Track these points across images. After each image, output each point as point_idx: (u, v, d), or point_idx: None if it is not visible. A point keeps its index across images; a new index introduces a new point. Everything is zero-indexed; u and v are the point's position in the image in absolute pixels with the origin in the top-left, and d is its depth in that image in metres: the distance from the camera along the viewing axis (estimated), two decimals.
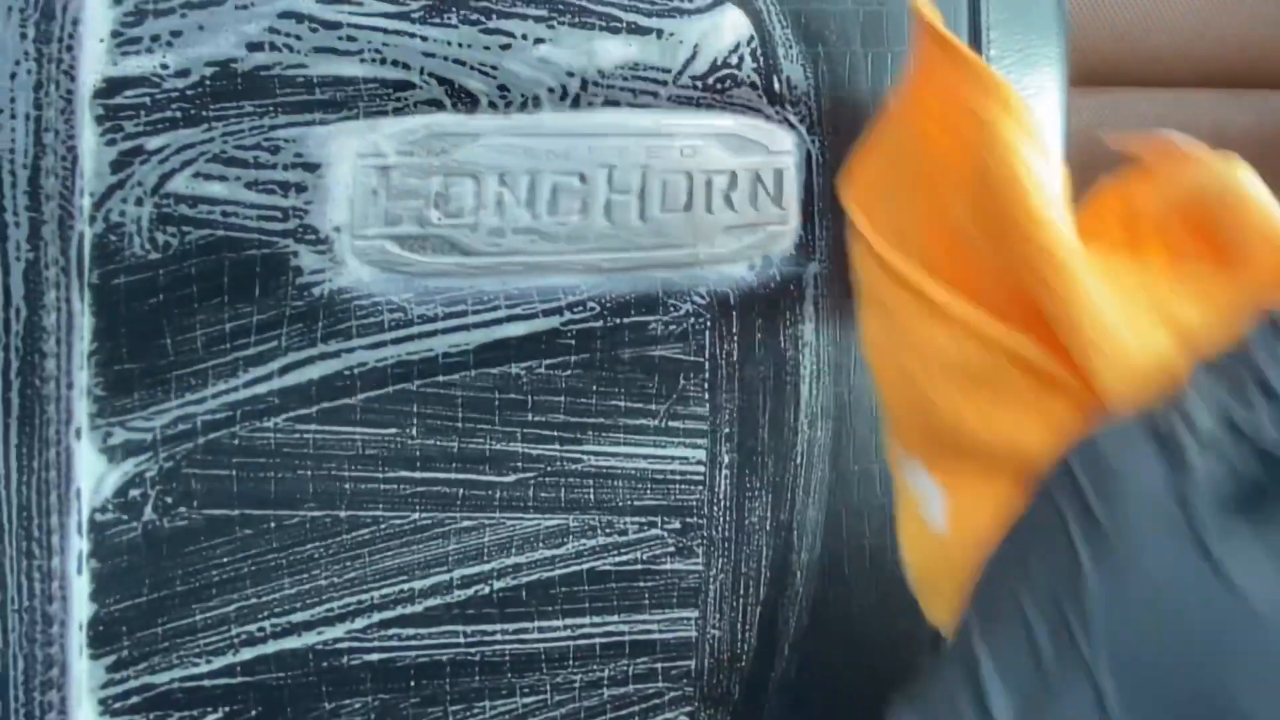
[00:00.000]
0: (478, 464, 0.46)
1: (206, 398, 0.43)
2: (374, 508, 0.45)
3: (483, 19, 0.44)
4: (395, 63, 0.43)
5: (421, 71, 0.44)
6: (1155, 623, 0.25)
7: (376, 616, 0.46)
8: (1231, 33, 0.94)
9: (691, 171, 0.48)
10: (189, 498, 0.43)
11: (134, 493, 0.42)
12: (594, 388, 0.47)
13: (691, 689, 0.50)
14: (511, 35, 0.44)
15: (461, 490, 0.46)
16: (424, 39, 0.44)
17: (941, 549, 0.34)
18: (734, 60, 0.47)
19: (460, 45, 0.44)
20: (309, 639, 0.45)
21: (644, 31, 0.46)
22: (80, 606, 0.42)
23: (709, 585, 0.49)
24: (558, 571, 0.48)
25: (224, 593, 0.44)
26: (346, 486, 0.45)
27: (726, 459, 0.49)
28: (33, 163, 0.40)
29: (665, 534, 0.49)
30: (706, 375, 0.48)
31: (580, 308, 0.46)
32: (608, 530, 0.48)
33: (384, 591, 0.46)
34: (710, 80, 0.47)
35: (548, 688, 0.48)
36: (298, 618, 0.45)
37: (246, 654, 0.45)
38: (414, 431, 0.45)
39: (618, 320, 0.47)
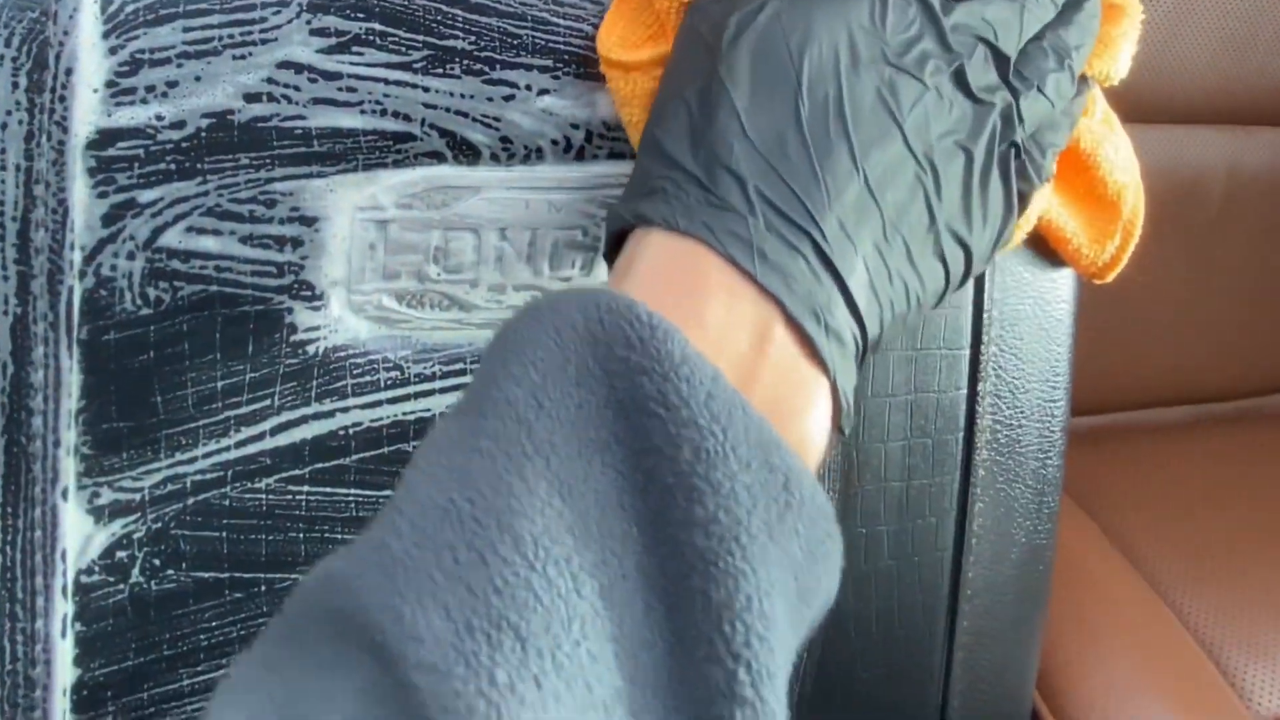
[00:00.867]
0: None
1: (197, 457, 0.42)
2: None
3: (486, 69, 0.44)
4: (396, 114, 0.43)
5: (423, 123, 0.43)
6: (759, 53, 0.36)
7: None
8: (1244, 70, 0.94)
9: None
10: (178, 559, 0.43)
11: (121, 554, 0.42)
12: None
13: None
14: (515, 86, 0.44)
15: None
16: (426, 89, 0.43)
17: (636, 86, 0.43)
18: None
19: (463, 96, 0.44)
20: None
21: None
22: (64, 671, 0.42)
23: None
24: None
25: (212, 657, 0.44)
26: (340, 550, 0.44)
27: None
28: (22, 215, 0.40)
29: None
30: None
31: None
32: None
33: None
34: None
35: None
36: None
37: None
38: None
39: None
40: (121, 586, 0.42)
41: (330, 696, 0.28)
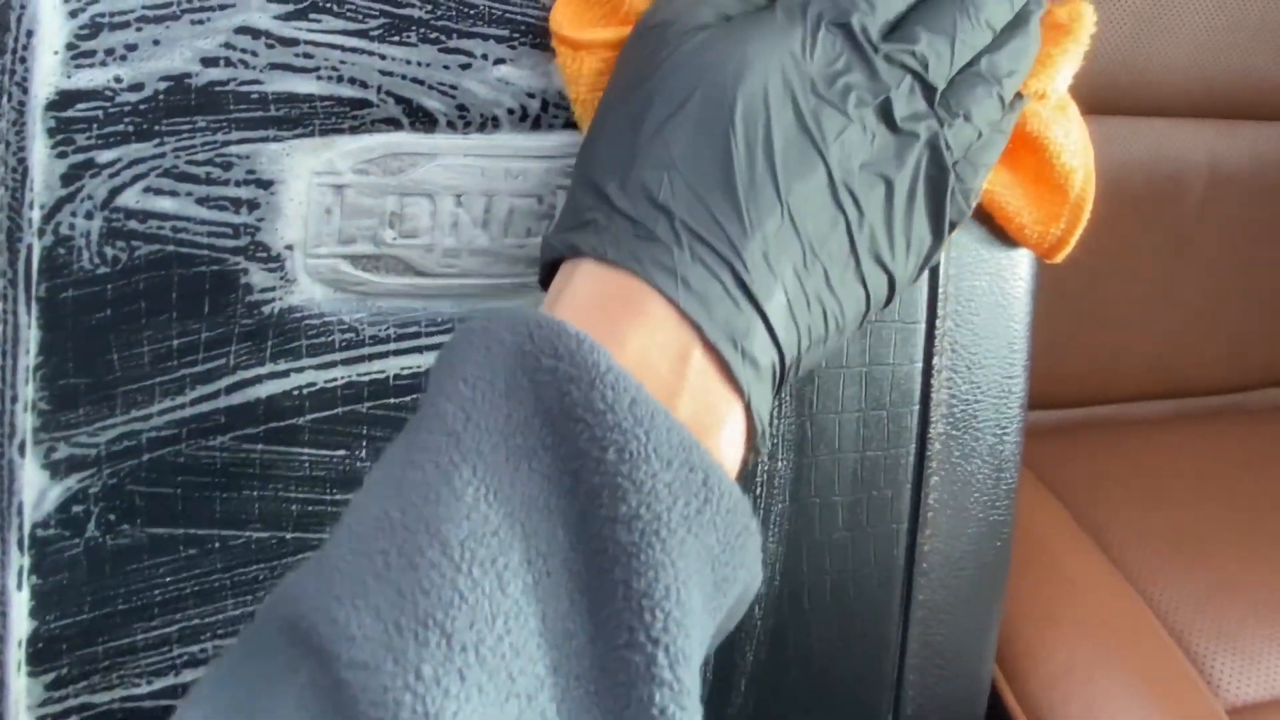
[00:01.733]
0: None
1: (153, 414, 0.44)
2: (321, 530, 0.46)
3: (442, 38, 0.45)
4: (353, 80, 0.44)
5: (379, 90, 0.45)
6: (694, 84, 0.39)
7: None
8: (1226, 63, 0.95)
9: None
10: (133, 515, 0.44)
11: (77, 509, 0.43)
12: None
13: None
14: (471, 55, 0.46)
15: None
16: (382, 57, 0.45)
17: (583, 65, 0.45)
18: None
19: (419, 64, 0.45)
20: None
21: None
22: (19, 623, 0.43)
23: None
24: None
25: (166, 612, 0.45)
26: (293, 508, 0.46)
27: None
28: None
29: None
30: None
31: None
32: None
33: None
34: None
35: None
36: None
37: (188, 675, 0.46)
38: (363, 454, 0.46)
39: None
40: (77, 541, 0.44)
41: (277, 697, 0.30)
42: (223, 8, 0.43)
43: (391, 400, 0.46)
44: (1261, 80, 0.96)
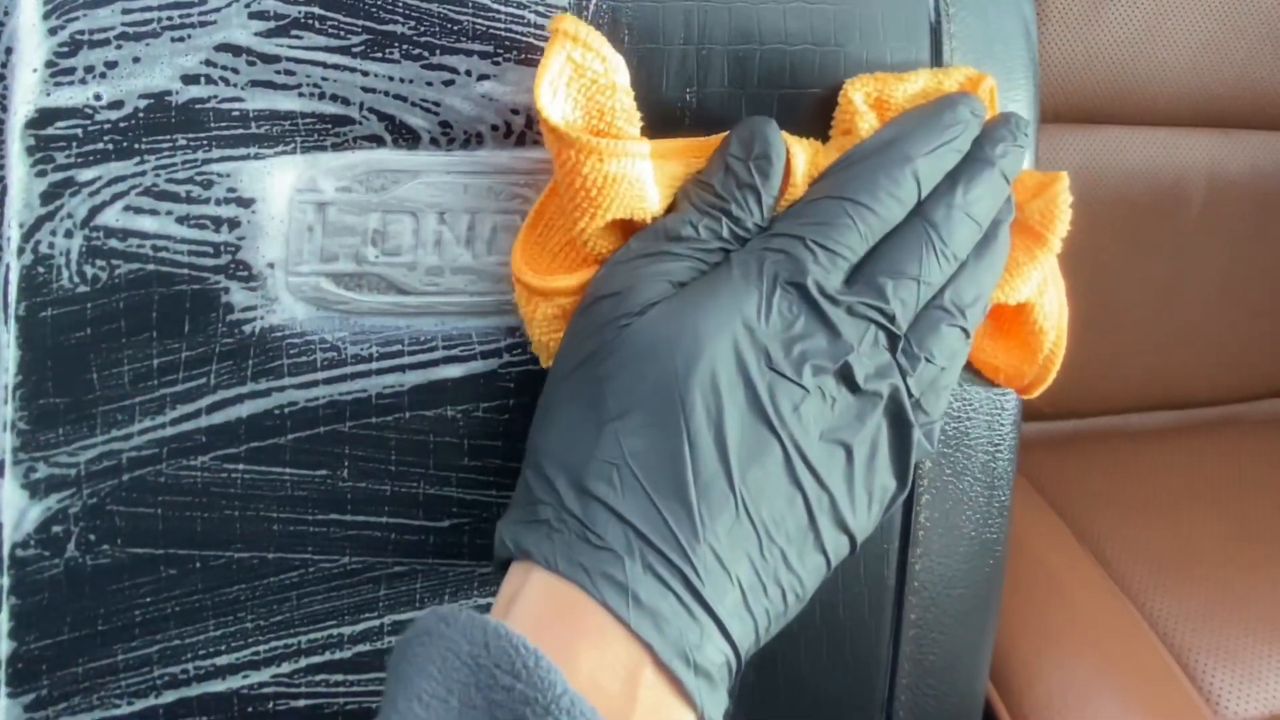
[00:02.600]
0: (411, 508, 0.47)
1: (133, 434, 0.44)
2: (303, 550, 0.46)
3: (425, 54, 0.45)
4: (335, 98, 0.45)
5: (361, 107, 0.45)
6: (644, 371, 0.39)
7: (304, 661, 0.47)
8: (1225, 73, 0.95)
9: None
10: (113, 535, 0.44)
11: (56, 529, 0.44)
12: None
13: None
14: (455, 71, 0.46)
15: (393, 535, 0.47)
16: (365, 74, 0.45)
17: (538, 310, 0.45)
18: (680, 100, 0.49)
19: (402, 81, 0.45)
20: (233, 682, 0.46)
21: None
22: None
23: None
24: None
25: (147, 633, 0.45)
26: (275, 528, 0.46)
27: None
28: None
29: None
30: None
31: (520, 350, 0.48)
32: None
33: (312, 636, 0.47)
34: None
35: None
36: (222, 660, 0.46)
37: (169, 696, 0.46)
38: (345, 474, 0.46)
39: None
40: (57, 561, 0.44)
41: None
42: (203, 25, 0.43)
43: (373, 419, 0.46)
44: (1261, 90, 0.97)
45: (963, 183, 0.44)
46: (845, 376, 0.41)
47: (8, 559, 0.43)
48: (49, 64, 0.42)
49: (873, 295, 0.41)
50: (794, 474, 0.39)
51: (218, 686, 0.46)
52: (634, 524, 0.37)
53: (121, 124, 0.42)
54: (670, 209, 0.45)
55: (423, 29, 0.45)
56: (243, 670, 0.46)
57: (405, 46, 0.45)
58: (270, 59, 0.44)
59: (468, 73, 0.46)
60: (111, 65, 0.42)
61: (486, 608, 0.47)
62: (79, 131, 0.42)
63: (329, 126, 0.45)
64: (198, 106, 0.43)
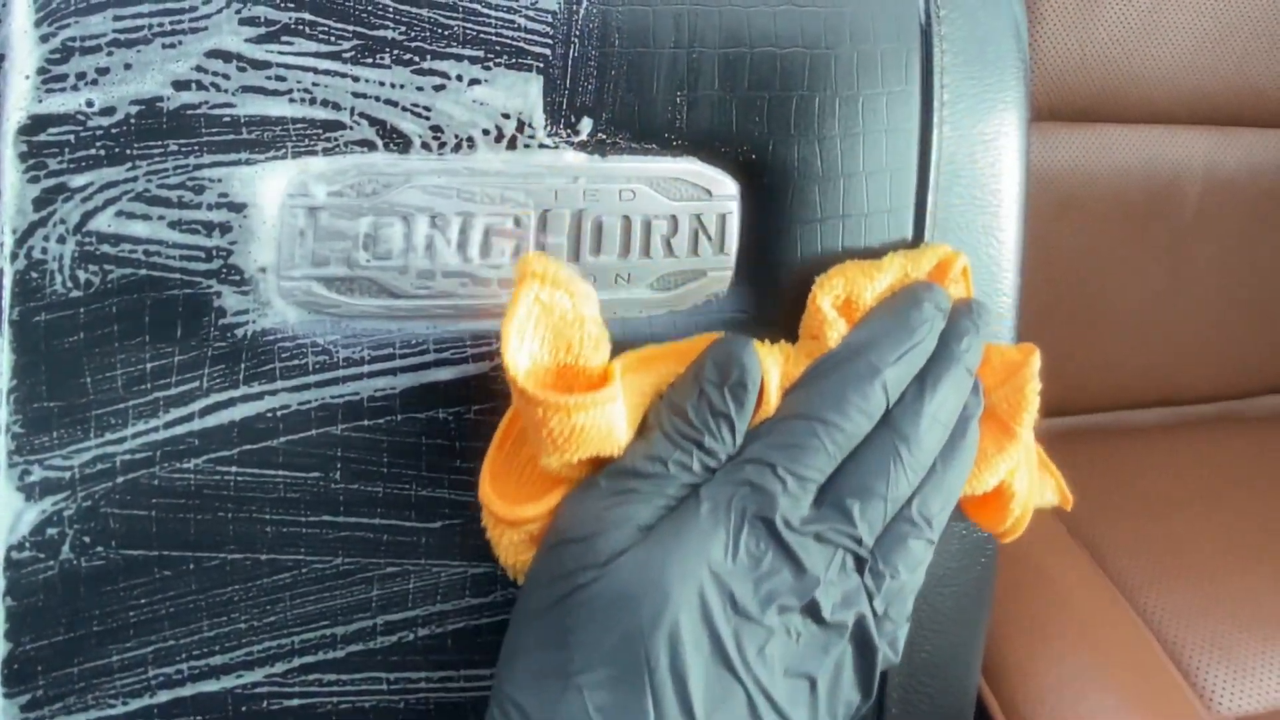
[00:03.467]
0: (403, 510, 0.47)
1: (126, 437, 0.44)
2: (296, 552, 0.47)
3: (416, 59, 0.45)
4: (325, 103, 0.45)
5: (352, 112, 0.45)
6: (609, 624, 0.39)
7: (297, 661, 0.47)
8: (1222, 70, 0.95)
9: (630, 215, 0.49)
10: (107, 537, 0.44)
11: (51, 531, 0.44)
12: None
13: None
14: (445, 76, 0.46)
15: (386, 536, 0.47)
16: (355, 79, 0.45)
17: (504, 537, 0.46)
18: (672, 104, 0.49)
19: (392, 86, 0.45)
20: (227, 682, 0.47)
21: None
22: None
23: None
24: (484, 620, 0.49)
25: (141, 634, 0.45)
26: (268, 530, 0.46)
27: None
28: None
29: None
30: None
31: None
32: None
33: (305, 636, 0.47)
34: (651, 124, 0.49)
35: None
36: (216, 661, 0.46)
37: (163, 696, 0.46)
38: (338, 476, 0.47)
39: None
40: (52, 563, 0.44)
41: None
42: (194, 31, 0.43)
43: (365, 422, 0.47)
44: (1257, 87, 0.97)
45: (929, 386, 0.45)
46: (811, 611, 0.41)
47: (3, 562, 0.43)
48: (41, 70, 0.42)
49: (840, 520, 0.42)
50: (758, 716, 0.40)
51: (212, 686, 0.46)
52: None
53: (113, 130, 0.43)
54: (641, 427, 0.45)
55: (413, 34, 0.45)
56: (236, 670, 0.47)
57: (396, 52, 0.45)
58: (261, 65, 0.44)
59: (459, 78, 0.46)
60: (103, 72, 0.42)
61: (479, 609, 0.47)
62: (71, 138, 0.42)
63: (320, 131, 0.45)
64: (189, 112, 0.43)
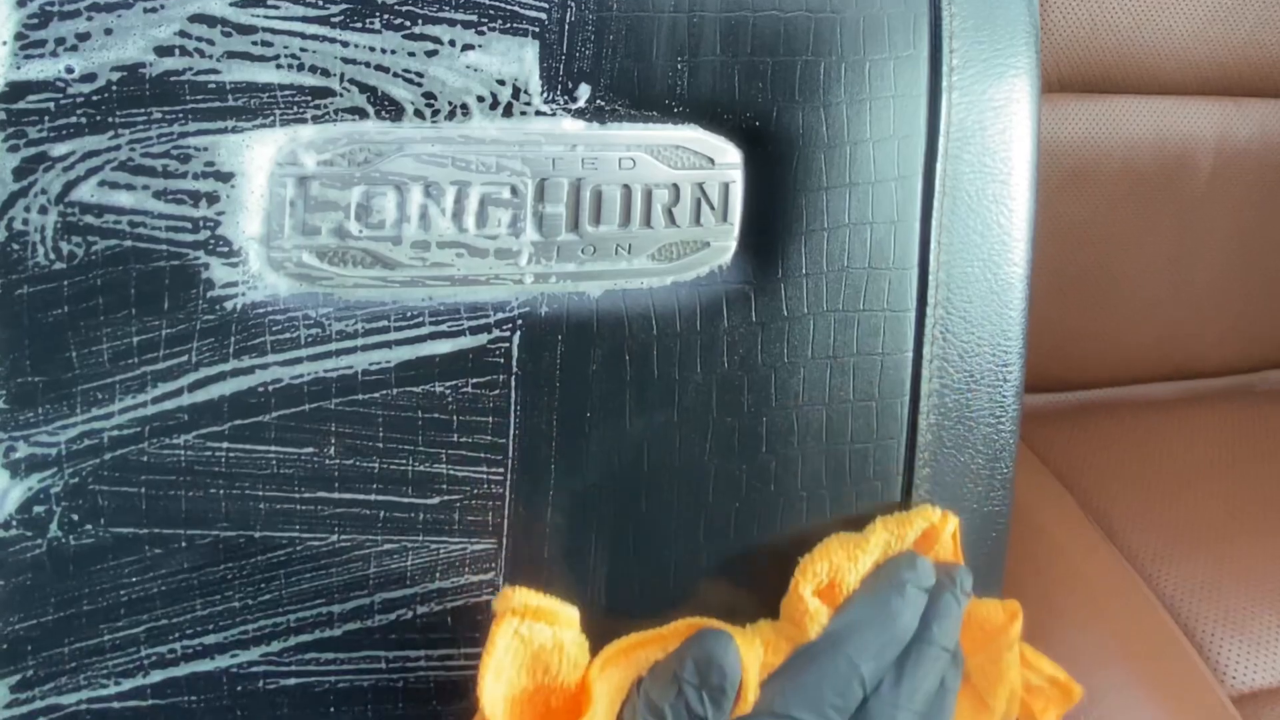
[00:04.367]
0: (400, 485, 0.45)
1: (114, 413, 0.42)
2: (290, 529, 0.44)
3: (407, 24, 0.42)
4: (314, 69, 0.42)
5: (342, 78, 0.42)
6: None
7: (294, 640, 0.45)
8: (1233, 41, 0.91)
9: (630, 184, 0.46)
10: (96, 515, 0.42)
11: (38, 509, 0.41)
12: (522, 408, 0.45)
13: None
14: (438, 41, 0.43)
15: (383, 512, 0.45)
16: (344, 44, 0.42)
17: None
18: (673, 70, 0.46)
19: (383, 51, 0.42)
20: (222, 662, 0.44)
21: None
22: None
23: None
24: (485, 598, 0.46)
25: (133, 613, 0.43)
26: (261, 506, 0.43)
27: None
28: None
29: None
30: (645, 393, 0.47)
31: (509, 325, 0.45)
32: None
33: (301, 614, 0.45)
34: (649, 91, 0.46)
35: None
36: (210, 640, 0.44)
37: (157, 676, 0.43)
38: (332, 451, 0.44)
39: (550, 339, 0.45)
40: (39, 541, 0.41)
41: None
42: None
43: (360, 396, 0.44)
44: (1270, 57, 0.93)
45: (908, 674, 0.44)
46: None
47: None
48: (18, 36, 0.39)
49: None
50: None
51: (206, 666, 0.44)
52: None
53: (94, 97, 0.40)
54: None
55: None
56: (231, 649, 0.44)
57: (386, 16, 0.42)
58: (246, 29, 0.41)
59: (451, 42, 0.43)
60: (83, 37, 0.40)
61: (478, 587, 0.45)
62: (51, 105, 0.39)
63: (309, 99, 0.42)
64: (172, 79, 0.40)
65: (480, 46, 0.43)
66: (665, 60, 0.45)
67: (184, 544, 0.43)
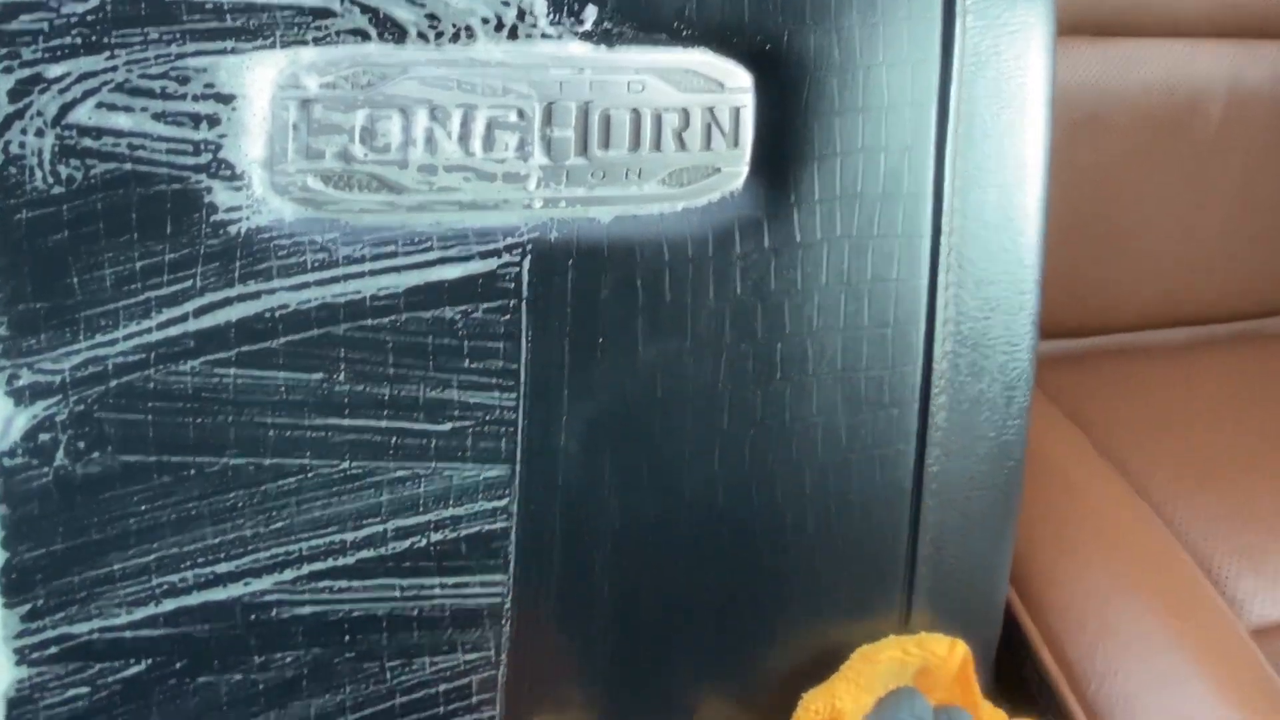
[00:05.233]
0: (411, 411, 0.42)
1: (118, 339, 0.39)
2: (300, 456, 0.41)
3: None
4: None
5: None
6: None
7: (306, 568, 0.42)
8: None
9: (639, 108, 0.43)
10: (102, 442, 0.39)
11: (44, 437, 0.38)
12: (534, 333, 0.42)
13: None
14: None
15: (394, 439, 0.42)
16: None
17: None
18: None
19: None
20: (235, 590, 0.41)
21: None
22: None
23: None
24: (499, 525, 0.43)
25: (143, 542, 0.40)
26: (270, 433, 0.40)
27: None
28: None
29: None
30: (657, 319, 0.43)
31: (519, 250, 0.42)
32: None
33: (314, 543, 0.42)
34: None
35: (491, 645, 0.44)
36: (222, 568, 0.41)
37: (169, 605, 0.41)
38: (341, 377, 0.41)
39: (561, 264, 0.42)
40: (45, 470, 0.39)
41: None
42: None
43: (369, 321, 0.41)
44: None
45: None
46: None
47: None
48: None
49: None
50: None
51: (219, 595, 0.41)
52: None
53: (89, 17, 0.37)
54: None
55: None
56: (244, 578, 0.41)
57: None
58: None
59: None
60: None
61: (493, 513, 0.42)
62: (45, 25, 0.36)
63: (309, 19, 0.39)
64: None
65: None
66: None
67: (193, 471, 0.40)
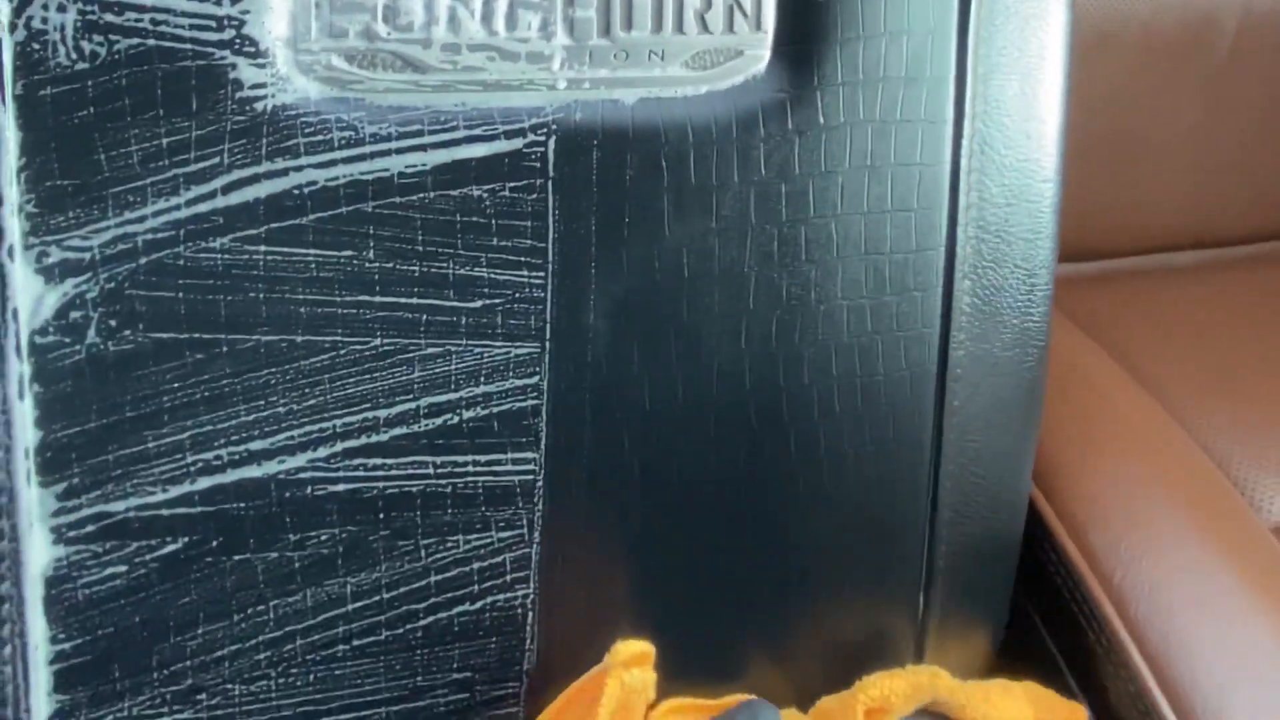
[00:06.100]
0: (441, 289, 0.40)
1: (146, 216, 0.37)
2: (332, 333, 0.39)
3: None
4: None
5: None
6: None
7: (340, 445, 0.40)
8: None
9: None
10: (134, 320, 0.37)
11: (75, 314, 0.36)
12: (561, 212, 0.40)
13: None
14: None
15: (425, 316, 0.40)
16: None
17: None
18: None
19: None
20: (270, 468, 0.39)
21: None
22: (25, 432, 0.37)
23: None
24: (530, 402, 0.41)
25: (177, 419, 0.38)
26: (302, 310, 0.38)
27: None
28: None
29: None
30: (682, 201, 0.41)
31: (544, 130, 0.39)
32: None
33: (347, 420, 0.40)
34: None
35: (524, 522, 0.42)
36: (256, 446, 0.39)
37: (204, 483, 0.39)
38: (371, 254, 0.39)
39: (586, 144, 0.40)
40: (78, 348, 0.37)
41: None
42: None
43: (397, 199, 0.38)
44: None
45: None
46: None
47: (26, 346, 0.36)
48: None
49: None
50: None
51: (254, 472, 0.39)
52: None
53: None
54: None
55: None
56: (278, 455, 0.39)
57: None
58: None
59: None
60: None
61: (524, 390, 0.39)
62: None
63: None
64: None
65: None
66: None
67: (225, 349, 0.38)
